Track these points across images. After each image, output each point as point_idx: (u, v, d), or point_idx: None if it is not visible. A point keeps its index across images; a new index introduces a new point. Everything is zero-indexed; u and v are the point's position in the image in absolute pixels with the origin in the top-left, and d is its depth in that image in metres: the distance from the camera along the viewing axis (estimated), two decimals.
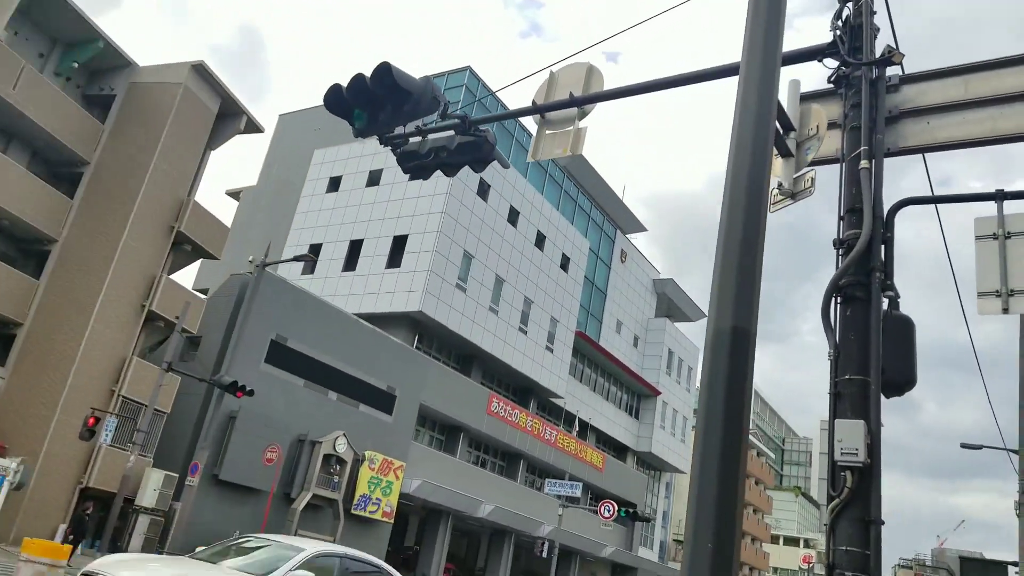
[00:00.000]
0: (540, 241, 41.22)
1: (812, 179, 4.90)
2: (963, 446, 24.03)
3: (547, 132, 6.67)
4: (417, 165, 7.64)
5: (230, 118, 25.81)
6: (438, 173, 7.97)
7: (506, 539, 38.23)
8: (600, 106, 6.79)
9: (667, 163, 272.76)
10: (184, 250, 24.59)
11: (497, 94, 39.50)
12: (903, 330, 4.82)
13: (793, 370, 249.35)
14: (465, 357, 37.99)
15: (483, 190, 36.92)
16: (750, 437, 73.83)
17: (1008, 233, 4.55)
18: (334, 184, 39.13)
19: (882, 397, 4.42)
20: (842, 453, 4.28)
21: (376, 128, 7.41)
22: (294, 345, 27.22)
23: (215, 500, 24.31)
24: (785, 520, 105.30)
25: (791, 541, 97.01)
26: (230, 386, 19.27)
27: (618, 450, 51.82)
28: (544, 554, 31.75)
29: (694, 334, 61.68)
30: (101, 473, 21.19)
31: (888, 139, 4.86)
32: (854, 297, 4.51)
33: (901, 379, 4.71)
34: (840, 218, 4.73)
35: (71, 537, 18.06)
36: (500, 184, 37.89)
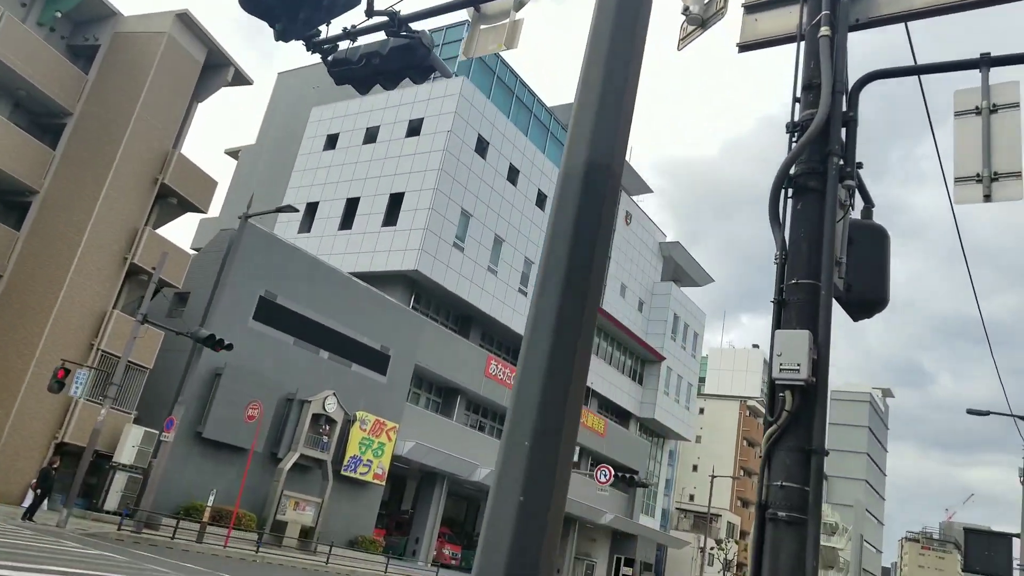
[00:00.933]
0: (541, 201, 40.31)
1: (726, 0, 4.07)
2: (969, 412, 23.36)
3: (482, 27, 5.84)
4: (348, 74, 6.83)
5: (217, 69, 24.97)
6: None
7: None
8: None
9: (681, 129, 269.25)
10: (170, 203, 23.92)
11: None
12: (876, 241, 4.04)
13: None
14: (463, 318, 37.37)
15: (482, 147, 35.99)
16: (757, 405, 73.21)
17: (993, 106, 3.72)
18: (331, 142, 38.30)
19: (838, 307, 3.64)
20: (781, 369, 3.53)
21: (297, 29, 6.56)
22: (284, 302, 26.63)
23: (198, 458, 23.90)
24: None
25: None
26: (207, 340, 18.68)
27: (621, 416, 51.28)
28: None
29: (702, 299, 60.91)
30: (77, 428, 20.76)
31: (856, 9, 4.03)
32: (807, 188, 3.72)
33: (872, 296, 3.94)
34: (795, 99, 3.92)
35: (38, 492, 17.62)
36: (499, 141, 36.93)
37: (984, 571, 25.64)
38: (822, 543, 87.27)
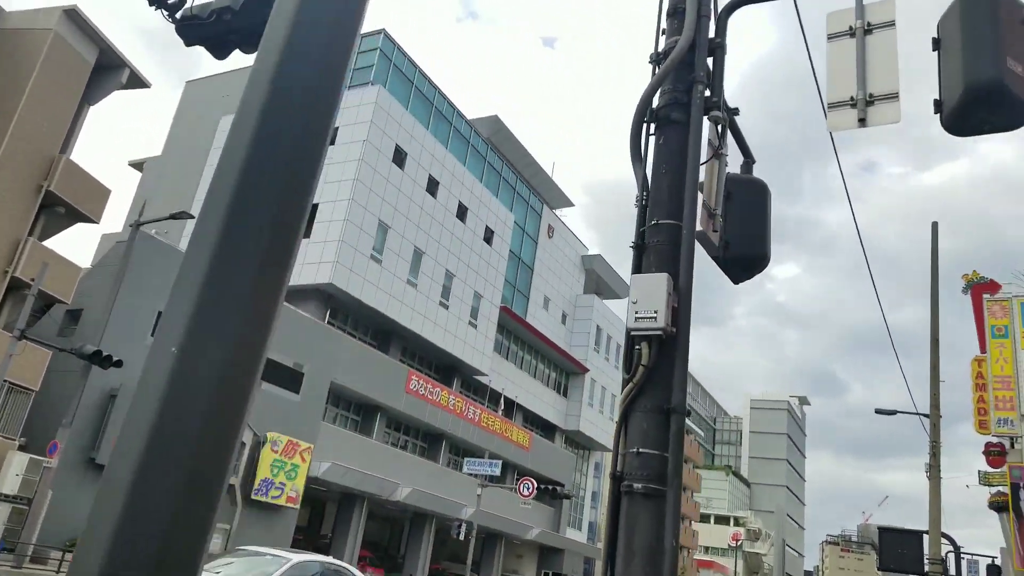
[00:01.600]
0: (462, 213, 39.77)
1: None
2: (878, 411, 23.78)
3: None
4: (198, 33, 6.12)
5: (110, 71, 23.61)
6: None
7: (427, 523, 36.90)
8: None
9: (604, 149, 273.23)
10: (57, 213, 22.39)
11: (412, 59, 37.84)
12: (756, 195, 3.61)
13: (727, 350, 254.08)
14: (383, 333, 36.39)
15: (399, 157, 35.25)
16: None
17: (868, 26, 3.34)
18: None
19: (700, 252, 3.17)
20: (637, 318, 3.04)
21: None
22: None
23: (91, 485, 22.27)
24: (716, 500, 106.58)
25: (722, 520, 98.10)
26: (93, 356, 17.37)
27: (546, 429, 50.90)
28: (461, 536, 30.51)
29: (623, 311, 61.27)
30: None
31: None
32: (670, 120, 3.27)
33: (752, 253, 3.51)
34: (660, 31, 3.46)
35: None
36: (418, 152, 36.25)
37: (898, 568, 26.17)
38: (747, 549, 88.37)
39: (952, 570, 25.16)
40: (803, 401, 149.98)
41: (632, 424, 3.02)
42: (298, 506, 28.72)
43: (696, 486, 75.99)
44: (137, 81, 24.33)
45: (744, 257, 3.47)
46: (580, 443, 54.64)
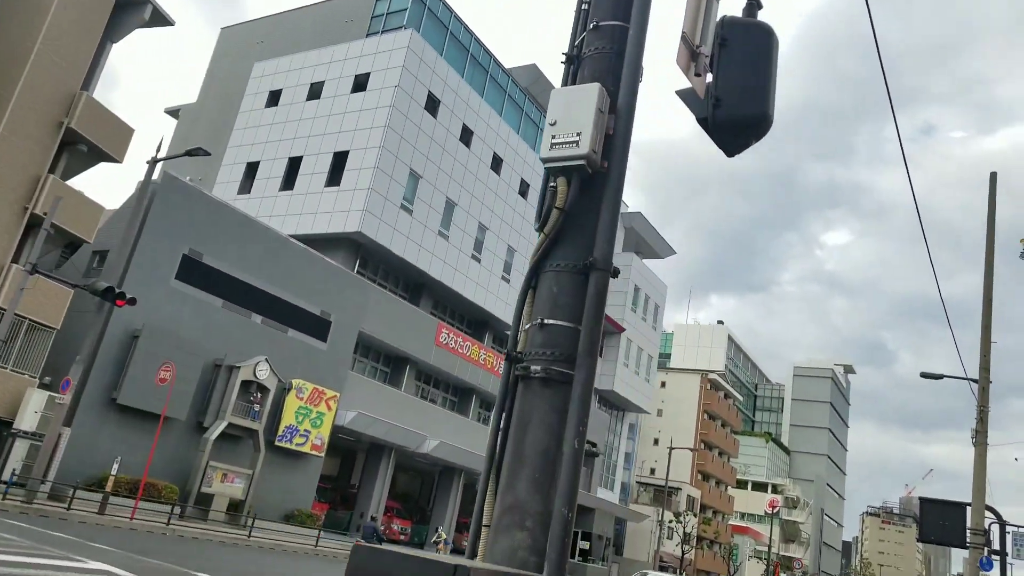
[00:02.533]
0: (496, 165, 38.77)
1: None
2: (923, 375, 22.45)
3: None
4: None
5: (132, 7, 23.02)
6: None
7: (455, 477, 36.69)
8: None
9: (653, 111, 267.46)
10: (79, 151, 22.02)
11: (450, 4, 36.57)
12: (756, 43, 2.69)
13: (771, 318, 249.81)
14: (414, 285, 35.86)
15: (432, 105, 34.29)
16: (718, 379, 72.74)
17: None
18: (274, 98, 36.34)
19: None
20: (553, 144, 2.19)
21: None
22: (211, 262, 24.91)
23: (114, 426, 22.25)
24: (755, 467, 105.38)
25: (760, 487, 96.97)
26: (106, 293, 17.01)
27: None
28: None
29: (669, 278, 60.01)
30: None
31: None
32: None
33: (747, 112, 2.59)
34: None
35: None
36: (451, 100, 35.23)
37: (939, 540, 25.03)
38: (784, 517, 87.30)
39: (996, 544, 24.00)
40: (848, 370, 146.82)
41: (541, 288, 2.21)
42: (323, 454, 28.56)
43: (733, 451, 74.95)
44: (160, 18, 23.70)
45: (738, 118, 2.59)
46: (614, 403, 53.91)
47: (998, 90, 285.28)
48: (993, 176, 18.60)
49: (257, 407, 25.62)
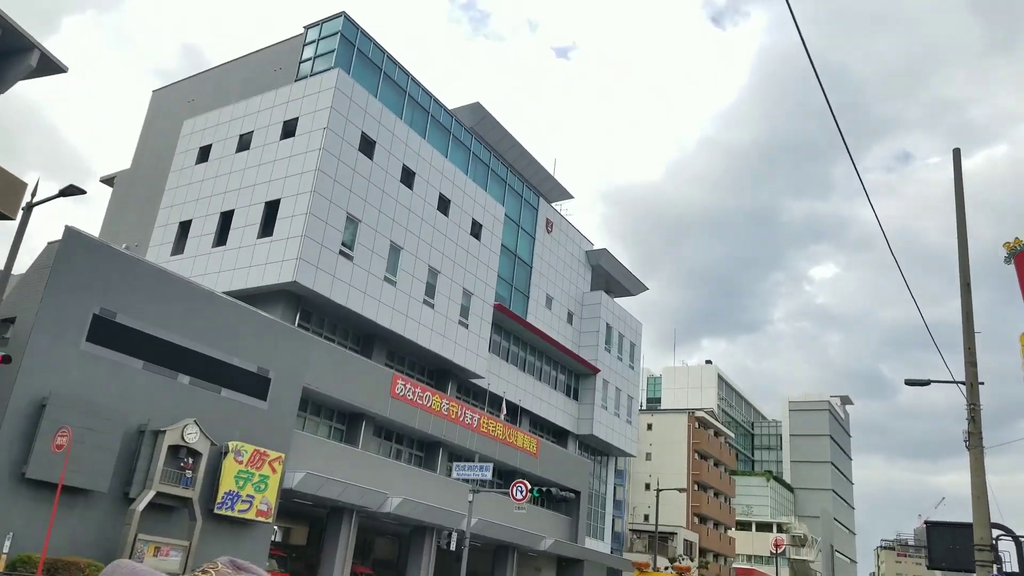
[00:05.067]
0: (444, 205, 37.50)
1: None
2: (908, 382, 20.90)
3: None
4: None
5: (16, 54, 21.75)
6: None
7: (427, 536, 34.27)
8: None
9: (623, 153, 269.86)
10: None
11: (379, 43, 35.89)
12: None
13: (765, 357, 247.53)
14: (365, 336, 34.11)
15: (367, 147, 33.13)
16: (705, 416, 70.61)
17: None
18: (203, 154, 35.13)
19: None
20: None
21: None
22: (126, 321, 23.14)
23: (26, 503, 20.16)
24: (758, 506, 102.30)
25: (764, 527, 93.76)
26: None
27: (558, 435, 48.12)
28: (452, 546, 27.88)
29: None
30: None
31: None
32: None
33: None
34: None
35: None
36: (388, 140, 34.13)
37: (951, 565, 22.72)
38: (792, 556, 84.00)
39: (1012, 564, 21.83)
40: (845, 401, 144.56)
41: None
42: (270, 520, 26.33)
43: (730, 491, 72.31)
44: (51, 65, 22.41)
45: None
46: (597, 448, 51.70)
47: (971, 112, 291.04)
48: (956, 152, 17.80)
49: (189, 473, 23.53)
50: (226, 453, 24.87)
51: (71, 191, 17.35)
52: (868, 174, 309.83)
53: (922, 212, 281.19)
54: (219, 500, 24.50)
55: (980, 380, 16.62)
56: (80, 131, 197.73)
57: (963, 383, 18.06)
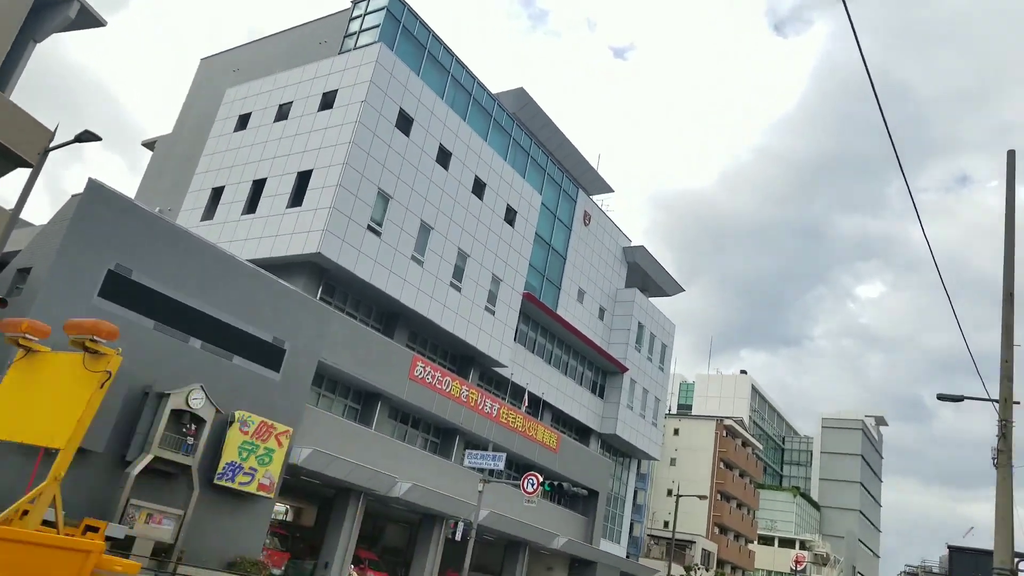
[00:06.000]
0: (479, 188, 36.64)
1: None
2: (940, 397, 19.51)
3: None
4: None
5: (55, 5, 21.43)
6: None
7: (436, 525, 33.59)
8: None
9: (677, 158, 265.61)
10: None
11: (425, 22, 35.11)
12: None
13: (804, 373, 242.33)
14: (388, 315, 33.47)
15: (404, 123, 32.38)
16: (734, 425, 68.85)
17: None
18: (242, 122, 34.77)
19: None
20: None
21: None
22: (141, 279, 22.74)
23: (17, 458, 19.84)
24: (783, 522, 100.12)
25: (787, 543, 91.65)
26: None
27: (580, 432, 47.10)
28: (457, 537, 27.13)
29: (671, 310, 57.17)
30: None
31: None
32: None
33: None
34: None
35: None
36: (427, 119, 33.34)
37: None
38: (812, 574, 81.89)
39: None
40: (880, 421, 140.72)
41: None
42: (272, 495, 25.83)
43: (753, 503, 70.56)
44: (90, 18, 22.11)
45: None
46: (619, 449, 50.56)
47: None
48: (1011, 153, 16.63)
49: (191, 440, 23.09)
50: (232, 422, 24.40)
51: (86, 137, 16.84)
52: (923, 194, 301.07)
53: (976, 236, 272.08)
54: (220, 470, 24.04)
55: (1016, 399, 15.49)
56: (136, 98, 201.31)
57: (996, 401, 16.78)
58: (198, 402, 23.05)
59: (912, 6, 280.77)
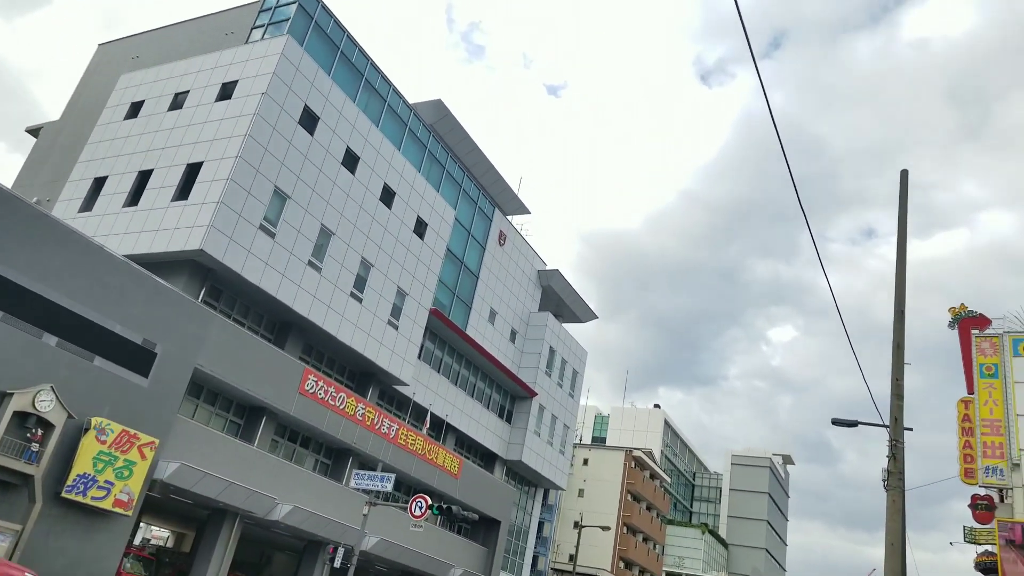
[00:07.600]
0: (388, 196, 35.08)
1: None
2: (835, 422, 19.03)
3: None
4: None
5: None
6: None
7: (321, 552, 31.33)
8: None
9: (605, 197, 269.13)
10: None
11: (340, 22, 33.66)
12: None
13: (718, 412, 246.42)
14: (280, 324, 31.40)
15: (309, 121, 30.69)
16: (643, 456, 68.37)
17: None
18: (134, 110, 32.42)
19: None
20: None
21: None
22: None
23: None
24: (691, 559, 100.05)
25: None
26: None
27: (485, 458, 45.51)
28: (336, 563, 25.07)
29: (591, 344, 56.49)
30: None
31: None
32: None
33: None
34: None
35: None
36: (334, 119, 31.73)
37: None
38: None
39: None
40: (787, 460, 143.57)
41: None
42: (131, 513, 23.32)
43: (659, 537, 69.97)
44: None
45: None
46: (525, 476, 49.12)
47: (936, 197, 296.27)
48: (903, 174, 16.51)
49: (36, 447, 20.58)
50: (87, 429, 21.95)
51: None
52: (831, 244, 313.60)
53: (880, 287, 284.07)
54: (69, 482, 21.49)
55: (908, 426, 14.96)
56: (43, 86, 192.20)
57: (888, 426, 16.16)
58: (46, 404, 20.60)
59: (828, 66, 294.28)
